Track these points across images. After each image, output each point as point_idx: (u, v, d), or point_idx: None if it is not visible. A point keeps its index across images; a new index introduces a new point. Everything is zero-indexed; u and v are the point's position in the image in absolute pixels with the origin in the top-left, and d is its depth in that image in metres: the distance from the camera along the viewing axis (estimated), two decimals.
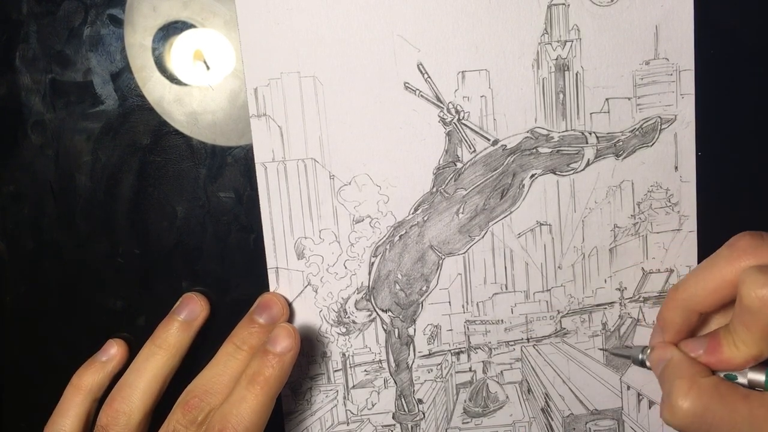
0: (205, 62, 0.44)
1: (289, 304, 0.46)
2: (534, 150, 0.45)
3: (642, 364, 0.42)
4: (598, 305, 0.47)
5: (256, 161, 0.44)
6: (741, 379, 0.37)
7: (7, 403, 0.47)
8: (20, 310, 0.46)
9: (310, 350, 0.46)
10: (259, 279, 0.46)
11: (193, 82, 0.44)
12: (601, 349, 0.47)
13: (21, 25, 0.43)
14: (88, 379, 0.44)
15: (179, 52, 0.44)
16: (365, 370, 0.47)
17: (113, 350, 0.45)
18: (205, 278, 0.46)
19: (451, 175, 0.45)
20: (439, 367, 0.47)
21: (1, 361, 0.46)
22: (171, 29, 0.44)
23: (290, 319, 0.46)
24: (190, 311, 0.44)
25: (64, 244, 0.45)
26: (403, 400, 0.48)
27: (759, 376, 0.36)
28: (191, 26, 0.44)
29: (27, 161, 0.44)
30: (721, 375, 0.37)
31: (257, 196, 0.45)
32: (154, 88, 0.44)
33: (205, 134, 0.44)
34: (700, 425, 0.36)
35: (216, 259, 0.46)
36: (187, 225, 0.45)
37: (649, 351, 0.41)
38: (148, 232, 0.45)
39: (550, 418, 0.48)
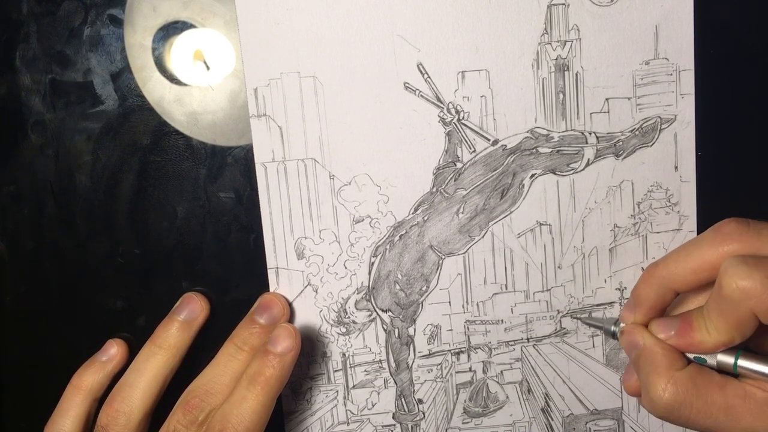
0: (205, 62, 0.44)
1: (290, 304, 0.46)
2: (534, 150, 0.45)
3: (614, 336, 0.42)
4: (597, 305, 0.47)
5: (256, 161, 0.44)
6: (710, 361, 0.37)
7: (7, 403, 0.47)
8: (20, 310, 0.46)
9: (310, 350, 0.46)
10: (259, 279, 0.46)
11: (193, 82, 0.44)
12: (573, 317, 0.47)
13: (21, 25, 0.43)
14: (88, 379, 0.44)
15: (179, 52, 0.44)
16: (365, 370, 0.47)
17: (113, 350, 0.45)
18: (205, 278, 0.46)
19: (451, 175, 0.45)
20: (439, 367, 0.47)
21: (1, 361, 0.46)
22: (171, 29, 0.44)
23: (290, 319, 0.46)
24: (190, 311, 0.44)
25: (64, 244, 0.45)
26: (403, 400, 0.48)
27: (728, 359, 0.36)
28: (191, 26, 0.44)
29: (27, 161, 0.44)
30: (691, 357, 0.37)
31: (257, 196, 0.45)
32: (154, 88, 0.44)
33: (205, 134, 0.44)
34: (678, 417, 0.36)
35: (216, 259, 0.46)
36: (187, 225, 0.45)
37: (622, 325, 0.41)
38: (148, 232, 0.45)
39: (550, 418, 0.48)
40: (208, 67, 0.44)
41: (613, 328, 0.42)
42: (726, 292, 0.34)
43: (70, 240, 0.45)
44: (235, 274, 0.46)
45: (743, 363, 0.36)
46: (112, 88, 0.44)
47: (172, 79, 0.44)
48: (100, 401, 0.44)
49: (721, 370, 0.37)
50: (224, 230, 0.45)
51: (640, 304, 0.39)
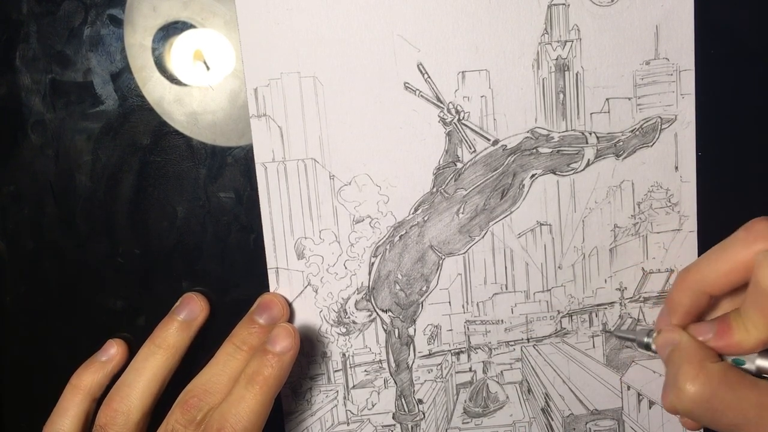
0: (205, 62, 0.44)
1: (289, 305, 0.46)
2: (534, 150, 0.45)
3: (647, 347, 0.41)
4: (598, 305, 0.47)
5: (256, 161, 0.44)
6: (749, 365, 0.36)
7: (7, 403, 0.47)
8: (20, 310, 0.46)
9: (310, 350, 0.46)
10: (259, 279, 0.46)
11: (193, 82, 0.44)
12: (605, 331, 0.47)
13: (21, 25, 0.43)
14: (87, 378, 0.44)
15: (179, 52, 0.44)
16: (365, 370, 0.47)
17: (113, 350, 0.45)
18: (205, 278, 0.46)
19: (452, 175, 0.45)
20: (439, 367, 0.47)
21: (1, 361, 0.46)
22: (171, 29, 0.44)
23: (290, 319, 0.46)
24: (190, 311, 0.44)
25: (64, 244, 0.45)
26: (403, 400, 0.48)
27: (767, 362, 0.36)
28: (191, 26, 0.44)
29: (27, 161, 0.44)
30: (730, 360, 0.37)
31: (257, 196, 0.45)
32: (154, 88, 0.44)
33: (205, 134, 0.44)
34: (706, 410, 0.35)
35: (216, 259, 0.46)
36: (187, 225, 0.45)
37: (655, 334, 0.40)
38: (148, 232, 0.45)
39: (550, 418, 0.48)
40: (208, 67, 0.44)
41: (646, 339, 0.41)
42: (763, 285, 0.34)
43: (70, 240, 0.45)
44: (235, 274, 0.46)
45: None
46: (112, 88, 0.44)
47: (172, 79, 0.44)
48: (99, 401, 0.44)
49: (761, 374, 0.36)
50: (224, 230, 0.45)
51: (675, 310, 0.39)
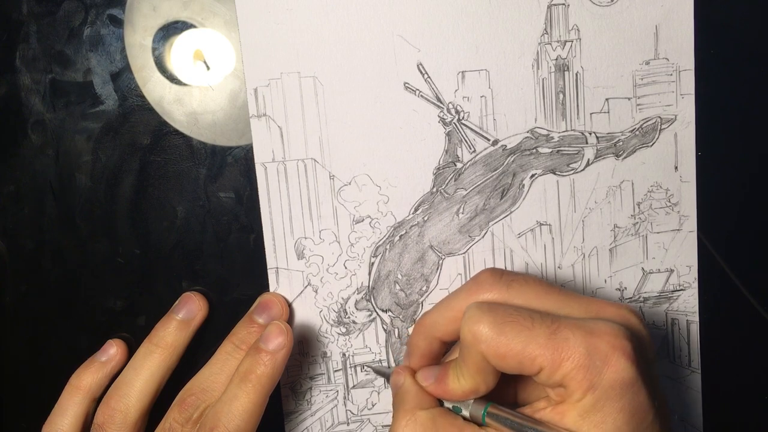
0: (205, 62, 0.44)
1: (289, 305, 0.46)
2: (534, 150, 0.45)
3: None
4: None
5: (255, 161, 0.44)
6: (465, 412, 0.37)
7: (6, 403, 0.47)
8: (20, 310, 0.46)
9: (310, 350, 0.46)
10: (259, 279, 0.46)
11: (193, 82, 0.44)
12: (362, 366, 0.47)
13: (21, 25, 0.43)
14: (86, 378, 0.44)
15: (179, 52, 0.44)
16: (366, 370, 0.47)
17: (113, 350, 0.45)
18: (205, 278, 0.46)
19: (451, 175, 0.45)
20: None
21: (1, 361, 0.46)
22: (171, 29, 0.44)
23: (290, 319, 0.46)
24: (188, 310, 0.44)
25: (64, 244, 0.45)
26: None
27: (478, 410, 0.37)
28: (191, 26, 0.44)
29: (27, 161, 0.44)
30: (450, 406, 0.38)
31: (257, 196, 0.45)
32: (154, 88, 0.44)
33: (205, 134, 0.45)
34: None
35: (216, 259, 0.46)
36: (187, 225, 0.45)
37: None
38: (148, 232, 0.45)
39: None
40: (208, 67, 0.44)
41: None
42: (462, 336, 0.35)
43: (70, 240, 0.45)
44: (235, 274, 0.46)
45: (492, 411, 0.36)
46: (112, 88, 0.44)
47: (172, 79, 0.44)
48: (98, 401, 0.44)
49: (474, 420, 0.37)
50: (224, 230, 0.46)
51: (412, 352, 0.40)
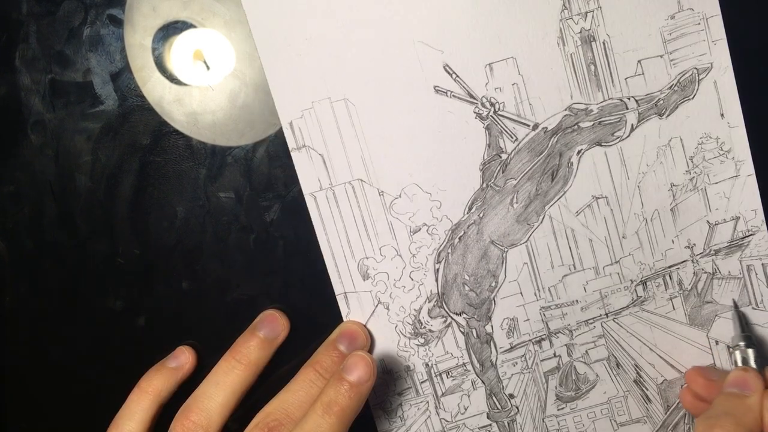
0: (205, 62, 0.44)
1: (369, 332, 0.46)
2: (575, 126, 0.45)
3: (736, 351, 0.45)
4: (670, 266, 0.46)
5: (304, 192, 0.44)
6: None
7: (7, 403, 0.47)
8: (20, 310, 0.46)
9: (393, 367, 0.46)
10: (258, 279, 0.46)
11: (193, 82, 0.44)
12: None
13: (21, 25, 0.43)
14: (157, 383, 0.43)
15: (179, 52, 0.44)
16: (451, 376, 0.47)
17: (183, 357, 0.45)
18: (205, 278, 0.46)
19: (498, 168, 0.45)
20: (523, 358, 0.47)
21: (1, 361, 0.46)
22: (171, 29, 0.44)
23: (370, 346, 0.46)
24: (272, 329, 0.44)
25: (64, 244, 0.45)
26: (494, 398, 0.47)
27: None
28: (191, 26, 0.44)
29: (27, 161, 0.44)
30: None
31: (257, 196, 0.45)
32: (154, 88, 0.44)
33: (205, 134, 0.44)
34: None
35: (216, 259, 0.46)
36: (187, 225, 0.45)
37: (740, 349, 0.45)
38: (148, 232, 0.45)
39: (644, 388, 0.48)
40: (208, 67, 0.44)
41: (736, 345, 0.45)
42: None
43: (70, 240, 0.45)
44: (235, 274, 0.46)
45: None
46: (111, 88, 0.44)
47: (172, 79, 0.44)
48: (163, 406, 0.44)
49: None
50: (224, 230, 0.45)
51: None
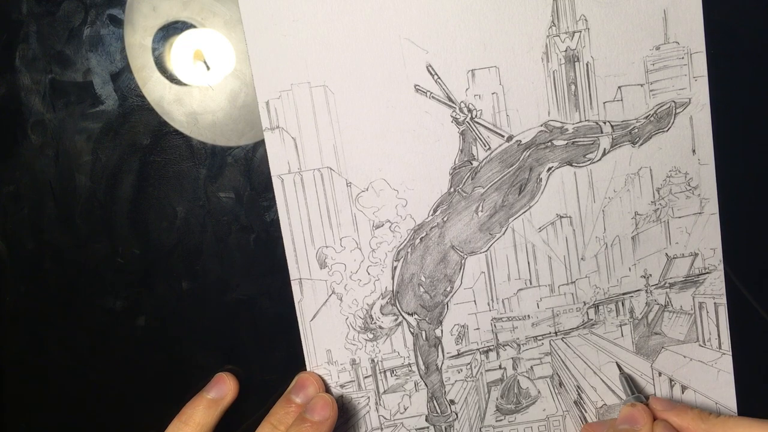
0: (205, 62, 0.44)
1: (325, 383, 0.46)
2: (549, 143, 0.45)
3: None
4: (624, 294, 0.47)
5: (272, 174, 0.44)
6: None
7: (7, 403, 0.47)
8: (20, 310, 0.46)
9: (339, 359, 0.46)
10: (258, 279, 0.46)
11: (193, 82, 0.44)
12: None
13: (21, 25, 0.43)
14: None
15: (179, 52, 0.44)
16: (395, 375, 0.47)
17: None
18: (205, 278, 0.46)
19: (468, 174, 0.45)
20: (468, 366, 0.47)
21: (1, 361, 0.46)
22: (171, 29, 0.44)
23: (316, 330, 0.46)
24: (219, 390, 0.45)
25: (64, 244, 0.45)
26: (435, 402, 0.48)
27: None
28: (191, 26, 0.44)
29: (27, 161, 0.44)
30: None
31: (257, 196, 0.45)
32: (154, 88, 0.44)
33: (205, 134, 0.44)
34: None
35: (216, 259, 0.46)
36: (187, 225, 0.45)
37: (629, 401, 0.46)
38: (148, 232, 0.45)
39: (583, 410, 0.48)
40: (208, 67, 0.44)
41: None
42: None
43: (70, 240, 0.45)
44: (235, 274, 0.46)
45: None
46: (112, 88, 0.44)
47: (172, 79, 0.44)
48: None
49: None
50: (224, 230, 0.45)
51: None
